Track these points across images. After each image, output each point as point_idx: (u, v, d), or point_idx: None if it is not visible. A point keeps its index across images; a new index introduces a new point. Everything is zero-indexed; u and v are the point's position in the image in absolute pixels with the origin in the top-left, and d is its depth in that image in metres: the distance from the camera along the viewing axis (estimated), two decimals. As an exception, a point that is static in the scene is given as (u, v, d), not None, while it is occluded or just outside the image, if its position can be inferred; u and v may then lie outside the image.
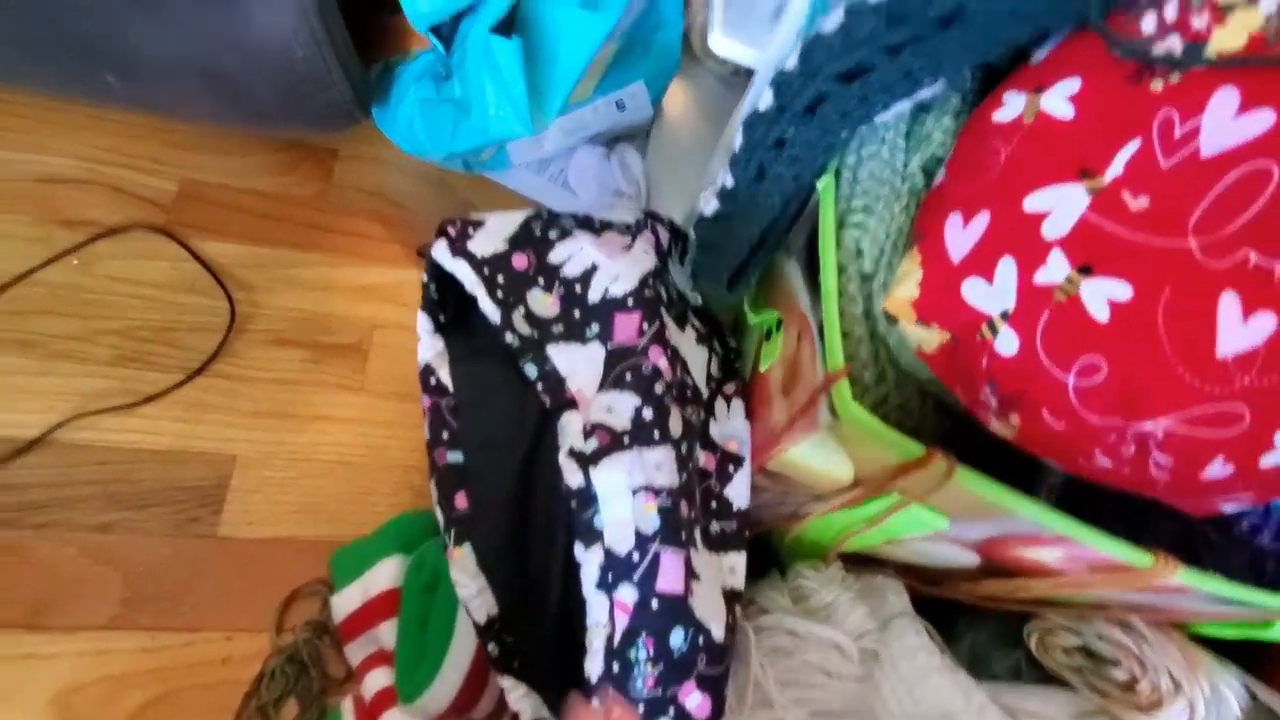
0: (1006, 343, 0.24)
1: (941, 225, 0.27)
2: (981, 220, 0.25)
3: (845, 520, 0.37)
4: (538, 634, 0.32)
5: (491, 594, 0.32)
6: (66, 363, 0.45)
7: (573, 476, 0.28)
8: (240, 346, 0.49)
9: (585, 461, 0.28)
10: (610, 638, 0.26)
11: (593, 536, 0.27)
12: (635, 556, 0.27)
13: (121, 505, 0.43)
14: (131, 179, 0.51)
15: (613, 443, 0.28)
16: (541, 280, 0.33)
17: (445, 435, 0.33)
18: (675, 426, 0.30)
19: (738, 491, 0.33)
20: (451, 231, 0.34)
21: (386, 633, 0.41)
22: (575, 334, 0.31)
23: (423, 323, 0.36)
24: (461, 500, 0.32)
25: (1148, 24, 0.24)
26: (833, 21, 0.31)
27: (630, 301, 0.32)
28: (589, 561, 0.27)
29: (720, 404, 0.35)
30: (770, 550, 0.46)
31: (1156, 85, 0.23)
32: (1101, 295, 0.22)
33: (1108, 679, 0.39)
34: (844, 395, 0.28)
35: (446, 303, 0.36)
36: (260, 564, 0.43)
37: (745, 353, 0.42)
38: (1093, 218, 0.23)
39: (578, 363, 0.30)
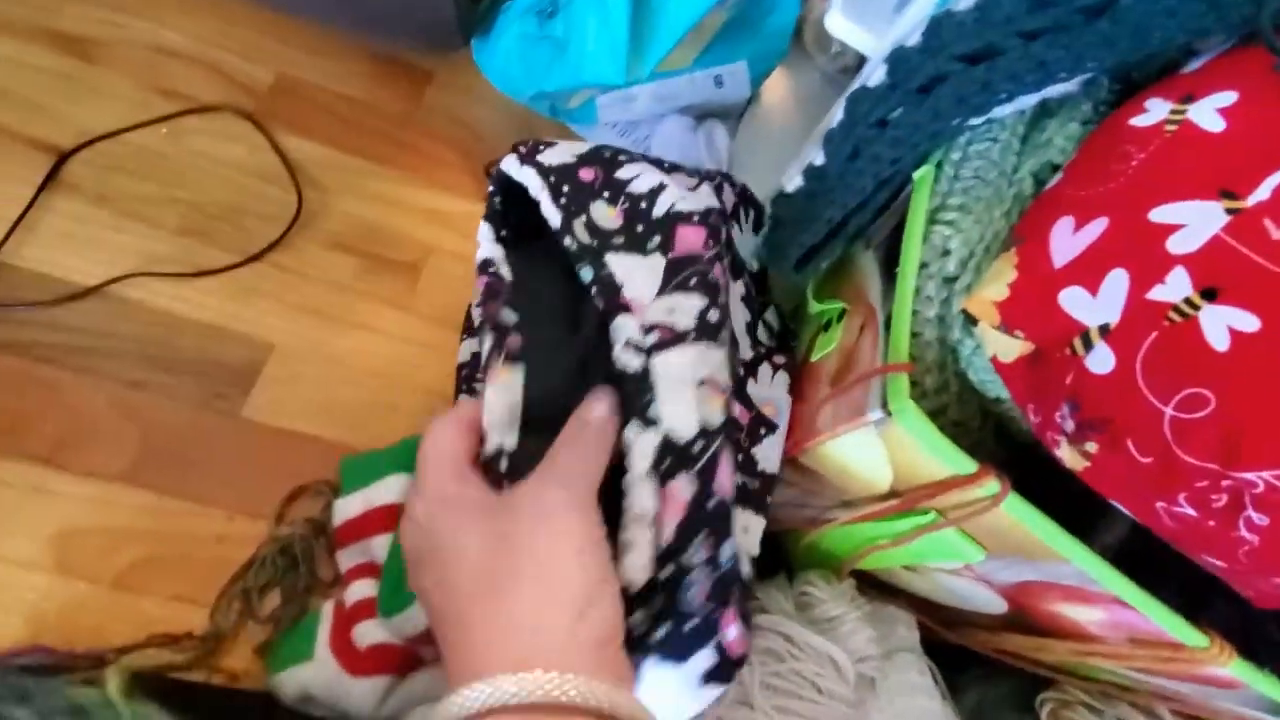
0: (1100, 360, 0.22)
1: (1049, 229, 0.24)
2: (1097, 227, 0.23)
3: (870, 533, 0.34)
4: None
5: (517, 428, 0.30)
6: (136, 222, 0.46)
7: (632, 361, 0.26)
8: (301, 242, 0.49)
9: (646, 351, 0.27)
10: (659, 533, 0.25)
11: (648, 422, 0.26)
12: (697, 447, 0.26)
13: (155, 367, 0.44)
14: (232, 63, 0.52)
15: (675, 338, 0.27)
16: (606, 193, 0.32)
17: (499, 298, 0.32)
18: (728, 340, 0.28)
19: (766, 455, 0.31)
20: (523, 148, 0.33)
21: (379, 546, 0.40)
22: (635, 245, 0.30)
23: (484, 231, 0.35)
24: (514, 341, 0.30)
25: (1334, 40, 0.21)
26: (968, 0, 0.29)
27: (695, 218, 0.30)
28: (642, 445, 0.26)
29: (765, 368, 0.34)
30: (780, 552, 0.44)
31: (1331, 107, 0.21)
32: (1223, 323, 0.20)
33: (1120, 770, 0.35)
34: (900, 391, 0.26)
35: (508, 221, 0.36)
36: (274, 453, 0.43)
37: (800, 342, 0.40)
38: (1228, 239, 0.21)
39: (635, 271, 0.29)
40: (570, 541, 0.24)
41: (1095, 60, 0.25)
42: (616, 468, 0.27)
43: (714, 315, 0.28)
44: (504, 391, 0.29)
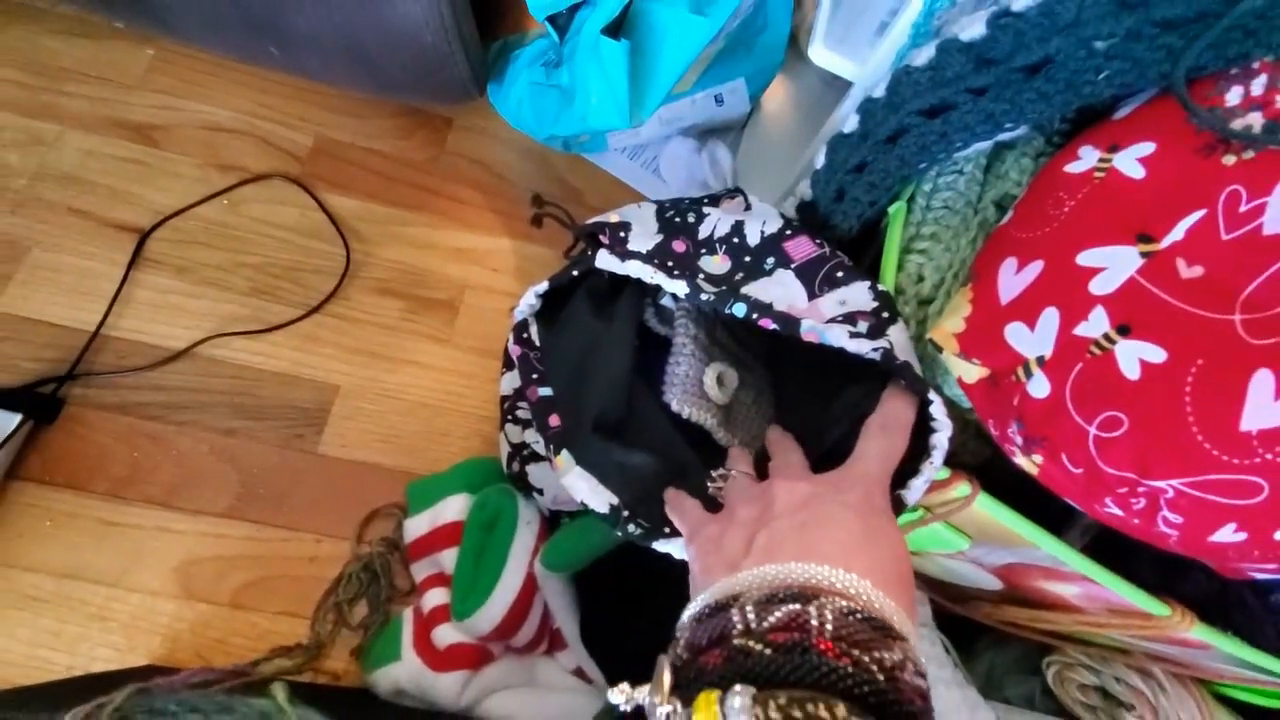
0: (1038, 387, 0.26)
1: (996, 268, 0.28)
2: (1034, 269, 0.27)
3: (873, 527, 0.39)
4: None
5: (605, 487, 0.34)
6: (212, 288, 0.53)
7: (866, 346, 0.29)
8: (352, 290, 0.55)
9: (874, 334, 0.30)
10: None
11: (927, 386, 0.29)
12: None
13: (244, 415, 0.50)
14: (277, 132, 0.58)
15: (878, 321, 0.31)
16: (704, 250, 0.36)
17: (535, 376, 0.38)
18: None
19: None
20: (604, 239, 0.37)
21: (447, 559, 0.46)
22: (755, 273, 0.35)
23: (539, 289, 0.38)
24: (555, 420, 0.36)
25: (1232, 96, 0.24)
26: (924, 56, 0.32)
27: (789, 231, 0.35)
28: (939, 410, 0.29)
29: None
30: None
31: (1229, 160, 0.24)
32: (1135, 355, 0.24)
33: (1118, 723, 0.39)
34: (881, 412, 0.30)
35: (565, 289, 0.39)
36: (348, 482, 0.50)
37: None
38: (1141, 280, 0.24)
39: (771, 289, 0.33)
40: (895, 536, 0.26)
41: (1035, 112, 0.29)
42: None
43: (882, 287, 0.32)
44: (568, 475, 0.34)
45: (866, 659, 0.20)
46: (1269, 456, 0.22)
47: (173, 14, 0.51)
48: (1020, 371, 0.26)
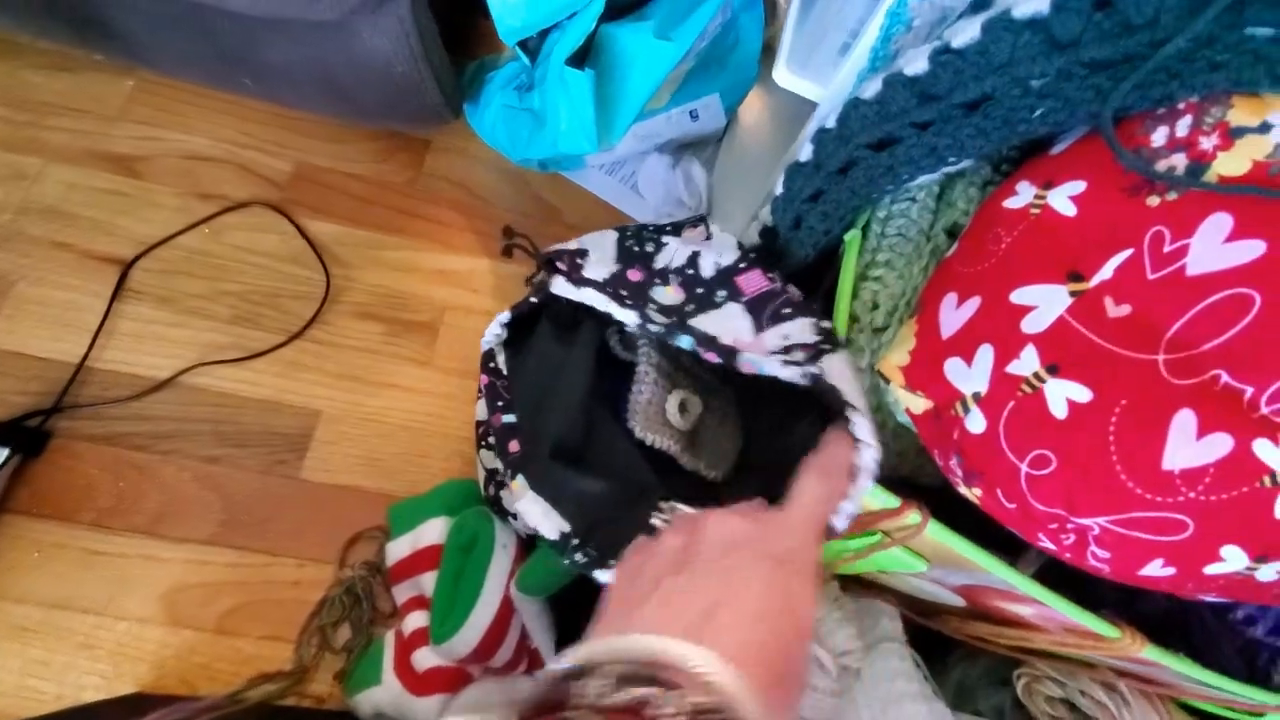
0: (975, 422, 0.26)
1: (939, 302, 0.29)
2: (972, 305, 0.27)
3: (839, 548, 0.39)
4: (623, 537, 0.33)
5: (557, 513, 0.35)
6: (194, 317, 0.54)
7: (798, 373, 0.29)
8: (332, 316, 0.56)
9: (807, 362, 0.30)
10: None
11: (853, 407, 0.29)
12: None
13: (227, 443, 0.51)
14: (257, 159, 0.59)
15: (816, 351, 0.31)
16: (657, 280, 0.37)
17: (500, 404, 0.39)
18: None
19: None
20: (562, 265, 0.38)
21: (428, 582, 0.47)
22: (706, 305, 0.35)
23: (503, 318, 0.40)
24: (514, 446, 0.38)
25: (1158, 137, 0.25)
26: (872, 89, 0.33)
27: (743, 264, 0.36)
28: (863, 425, 0.29)
29: None
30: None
31: (1153, 200, 0.24)
32: (1062, 395, 0.24)
33: (1085, 734, 0.40)
34: (831, 443, 0.31)
35: (528, 315, 0.41)
36: (331, 506, 0.51)
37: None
38: (1069, 320, 0.25)
39: (720, 322, 0.33)
40: (808, 611, 0.24)
41: (975, 148, 0.29)
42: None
43: (826, 324, 0.33)
44: (522, 500, 0.35)
45: None
46: (1191, 495, 0.22)
47: (148, 48, 0.52)
48: (959, 406, 0.27)
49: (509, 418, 0.38)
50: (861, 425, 0.28)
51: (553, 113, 0.49)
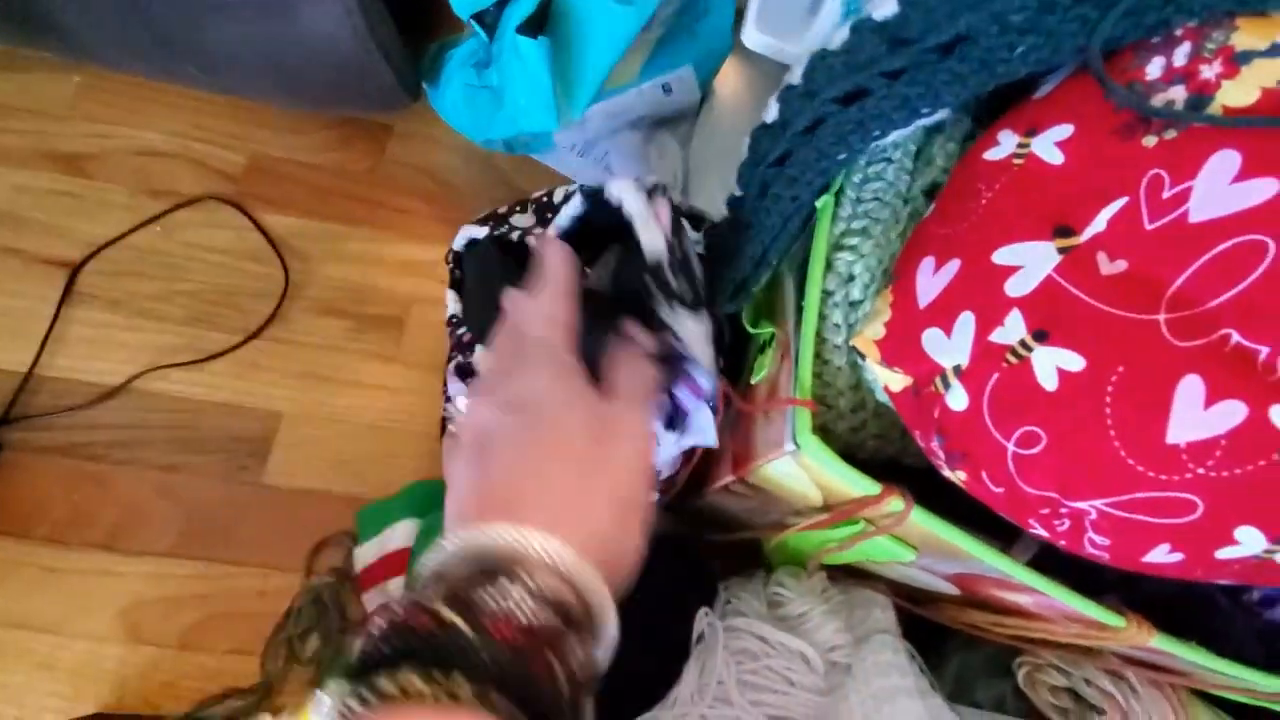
0: (957, 399, 0.24)
1: (915, 268, 0.26)
2: (951, 268, 0.25)
3: (820, 539, 0.37)
4: None
5: None
6: (147, 320, 0.51)
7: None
8: (293, 313, 0.53)
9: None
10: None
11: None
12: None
13: (185, 449, 0.49)
14: (210, 152, 0.56)
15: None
16: (518, 208, 0.42)
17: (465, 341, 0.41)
18: None
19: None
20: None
21: (396, 588, 0.45)
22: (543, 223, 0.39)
23: (450, 295, 0.43)
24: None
25: (1153, 69, 0.22)
26: (839, 38, 0.30)
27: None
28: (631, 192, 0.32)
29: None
30: (757, 552, 0.47)
31: (1150, 141, 0.22)
32: (1052, 364, 0.21)
33: (1092, 726, 0.38)
34: (804, 427, 0.28)
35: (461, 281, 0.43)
36: (296, 512, 0.49)
37: (745, 360, 0.42)
38: (1058, 280, 0.22)
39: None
40: (645, 472, 0.26)
41: (951, 95, 0.26)
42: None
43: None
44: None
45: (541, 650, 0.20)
46: (1200, 471, 0.20)
47: (87, 41, 0.49)
48: (939, 382, 0.24)
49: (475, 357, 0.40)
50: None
51: (510, 88, 0.46)
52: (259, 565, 0.47)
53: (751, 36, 0.44)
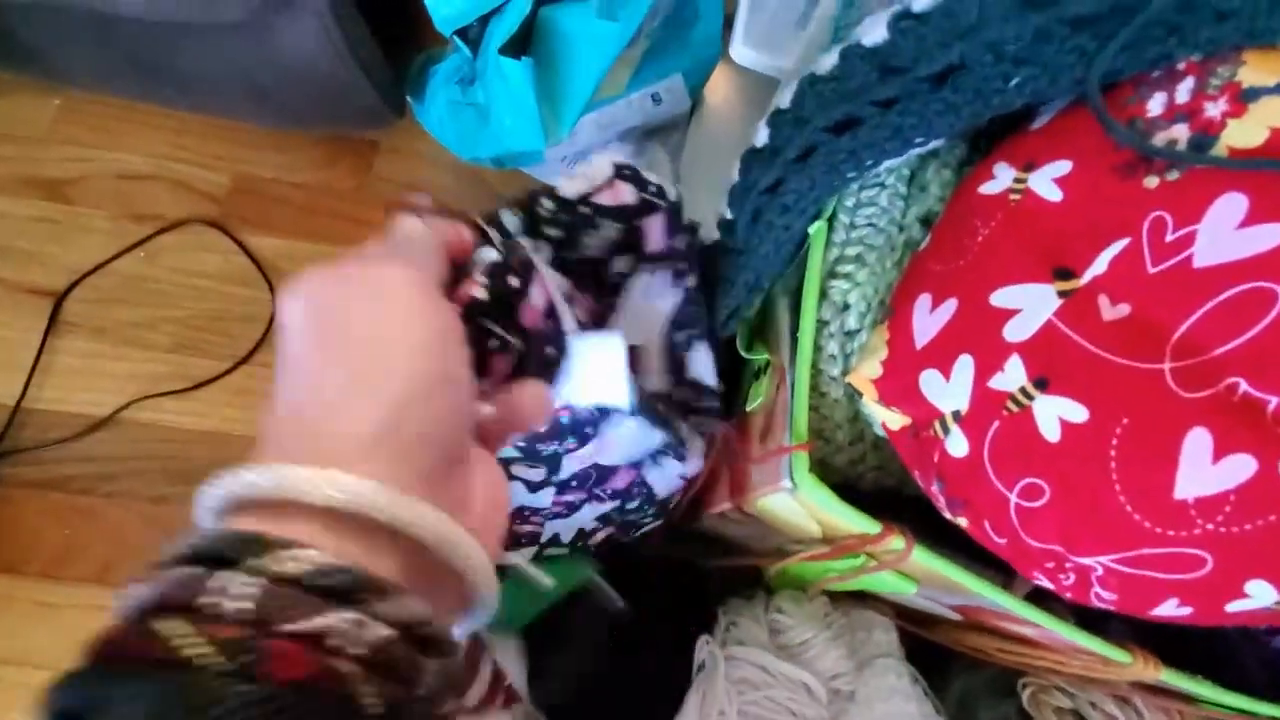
0: (957, 445, 0.23)
1: (912, 305, 0.25)
2: (948, 308, 0.24)
3: (822, 569, 0.36)
4: None
5: None
6: (133, 348, 0.51)
7: None
8: (282, 337, 0.52)
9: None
10: None
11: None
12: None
13: (176, 480, 0.48)
14: (192, 174, 0.55)
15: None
16: None
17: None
18: None
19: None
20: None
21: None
22: None
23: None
24: None
25: (1155, 105, 0.21)
26: (828, 63, 0.29)
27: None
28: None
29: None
30: (759, 575, 0.46)
31: (1151, 181, 0.21)
32: (1054, 413, 0.21)
33: (1097, 747, 0.37)
34: (801, 466, 0.28)
35: None
36: (291, 542, 0.48)
37: (741, 386, 0.41)
38: (1058, 325, 0.21)
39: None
40: (409, 326, 0.18)
41: (944, 126, 0.25)
42: None
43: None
44: None
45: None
46: (1209, 527, 0.19)
47: (63, 64, 0.49)
48: (938, 426, 0.24)
49: None
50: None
51: (495, 107, 0.45)
52: (254, 597, 0.46)
53: (740, 52, 0.44)
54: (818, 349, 0.31)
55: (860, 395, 0.27)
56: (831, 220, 0.32)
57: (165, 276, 0.53)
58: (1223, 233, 0.19)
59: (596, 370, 0.25)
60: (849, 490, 0.28)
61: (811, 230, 0.33)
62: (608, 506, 0.38)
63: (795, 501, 0.30)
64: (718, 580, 0.47)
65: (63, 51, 0.47)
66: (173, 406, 0.50)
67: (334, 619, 0.14)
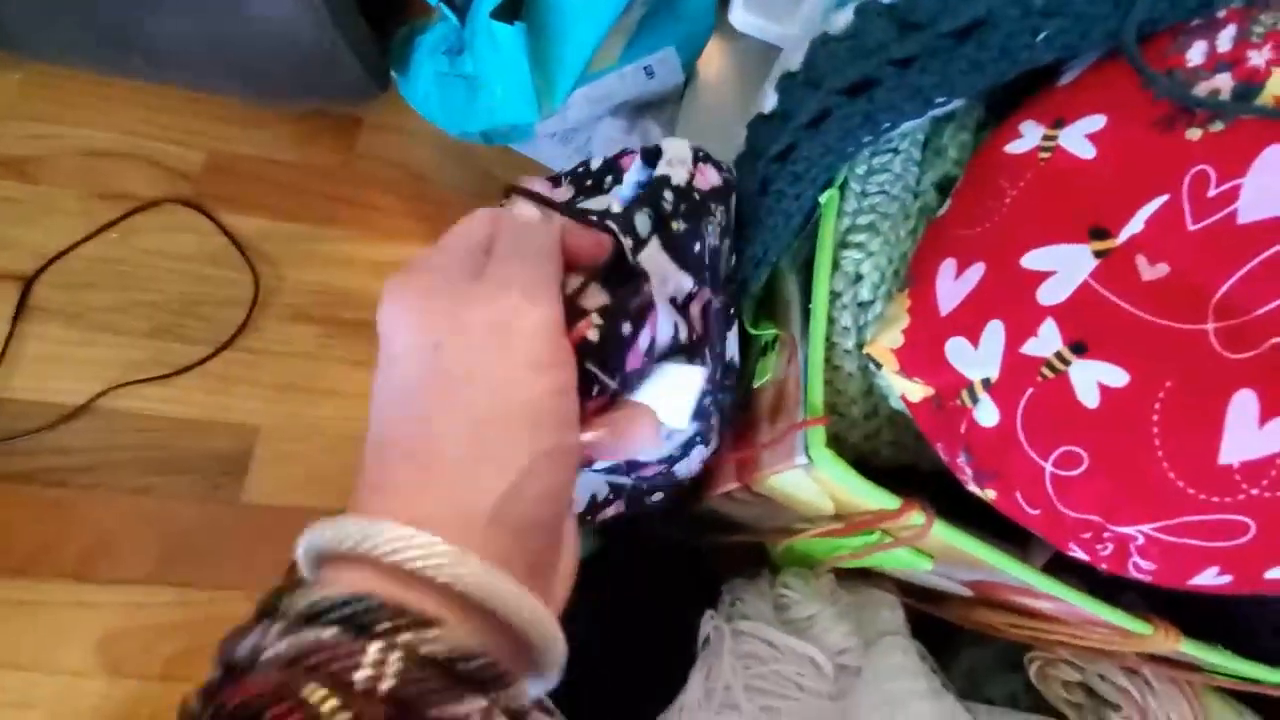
0: (986, 414, 0.22)
1: (934, 271, 0.24)
2: (975, 273, 0.23)
3: (832, 545, 0.36)
4: None
5: None
6: (108, 334, 0.48)
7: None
8: (264, 321, 0.50)
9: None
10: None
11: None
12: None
13: (157, 470, 0.46)
14: (164, 151, 0.53)
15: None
16: (551, 184, 0.37)
17: None
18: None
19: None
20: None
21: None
22: (595, 191, 0.34)
23: None
24: None
25: (1195, 54, 0.20)
26: (842, 21, 0.28)
27: (626, 151, 0.34)
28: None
29: None
30: (764, 553, 0.46)
31: (1193, 134, 0.20)
32: (1093, 379, 0.20)
33: (1105, 721, 0.37)
34: (817, 441, 0.27)
35: None
36: (277, 530, 0.46)
37: (747, 364, 0.40)
38: (1096, 286, 0.20)
39: (602, 203, 0.32)
40: (534, 386, 0.17)
41: (968, 84, 0.24)
42: None
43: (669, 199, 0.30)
44: None
45: None
46: (1254, 492, 0.18)
47: (25, 35, 0.46)
48: (965, 395, 0.23)
49: None
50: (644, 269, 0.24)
51: (486, 77, 0.43)
52: (241, 588, 0.45)
53: (739, 17, 0.42)
54: (830, 321, 0.30)
55: (878, 367, 0.26)
56: (842, 188, 0.31)
57: (139, 259, 0.50)
58: (1269, 186, 0.19)
59: (671, 396, 0.24)
60: (863, 466, 0.27)
61: (823, 199, 0.31)
62: (626, 481, 0.37)
63: (810, 478, 0.29)
64: (721, 560, 0.46)
65: (28, 23, 0.44)
66: (152, 394, 0.48)
67: (472, 707, 0.14)
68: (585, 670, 0.41)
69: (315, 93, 0.49)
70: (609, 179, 0.35)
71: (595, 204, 0.33)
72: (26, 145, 0.52)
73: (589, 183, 0.36)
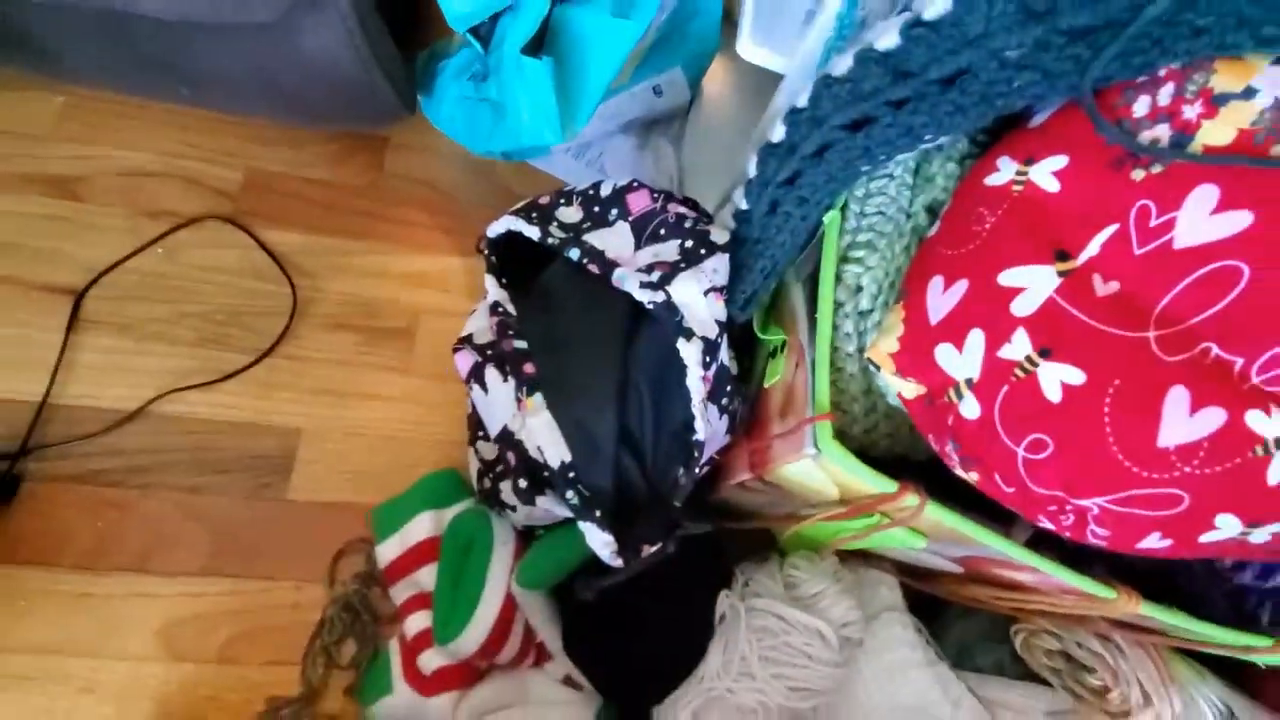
0: (969, 408, 0.26)
1: (925, 286, 0.28)
2: (960, 288, 0.27)
3: (836, 529, 0.40)
4: (601, 489, 0.37)
5: (563, 440, 0.36)
6: (157, 343, 0.52)
7: (654, 296, 0.33)
8: (303, 329, 0.54)
9: (660, 285, 0.34)
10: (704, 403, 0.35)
11: (689, 334, 0.34)
12: (717, 338, 0.35)
13: (207, 470, 0.50)
14: (204, 170, 0.56)
15: (672, 269, 0.35)
16: (563, 200, 0.42)
17: (510, 332, 0.41)
18: (718, 237, 0.37)
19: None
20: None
21: (425, 576, 0.47)
22: (601, 223, 0.39)
23: (489, 281, 0.44)
24: (530, 367, 0.39)
25: (1140, 107, 0.24)
26: (843, 65, 0.32)
27: (635, 184, 0.40)
28: (691, 350, 0.34)
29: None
30: (772, 540, 0.50)
31: (1138, 174, 0.24)
32: (1056, 378, 0.24)
33: (1083, 684, 0.41)
34: (825, 434, 0.31)
35: (505, 271, 0.44)
36: (322, 525, 0.50)
37: (755, 365, 0.44)
38: (1059, 301, 0.24)
39: (609, 238, 0.38)
40: None
41: (953, 125, 0.28)
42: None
43: (690, 243, 0.36)
44: (535, 417, 0.36)
45: None
46: (1186, 470, 0.23)
47: (70, 62, 0.49)
48: (952, 393, 0.27)
49: (520, 344, 0.40)
50: (689, 352, 0.31)
51: (512, 104, 0.47)
52: (290, 578, 0.49)
53: (746, 48, 0.46)
54: (834, 328, 0.34)
55: (877, 369, 0.30)
56: (843, 209, 0.35)
57: (184, 273, 0.54)
58: (1198, 218, 0.23)
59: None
60: (863, 456, 0.31)
61: (826, 219, 0.35)
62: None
63: (818, 467, 0.33)
64: (733, 546, 0.50)
65: (73, 51, 0.48)
66: (199, 399, 0.51)
67: None
68: (614, 644, 0.45)
69: (350, 117, 0.52)
70: (614, 212, 0.40)
71: (597, 239, 0.38)
72: (71, 165, 0.55)
73: (596, 209, 0.41)
